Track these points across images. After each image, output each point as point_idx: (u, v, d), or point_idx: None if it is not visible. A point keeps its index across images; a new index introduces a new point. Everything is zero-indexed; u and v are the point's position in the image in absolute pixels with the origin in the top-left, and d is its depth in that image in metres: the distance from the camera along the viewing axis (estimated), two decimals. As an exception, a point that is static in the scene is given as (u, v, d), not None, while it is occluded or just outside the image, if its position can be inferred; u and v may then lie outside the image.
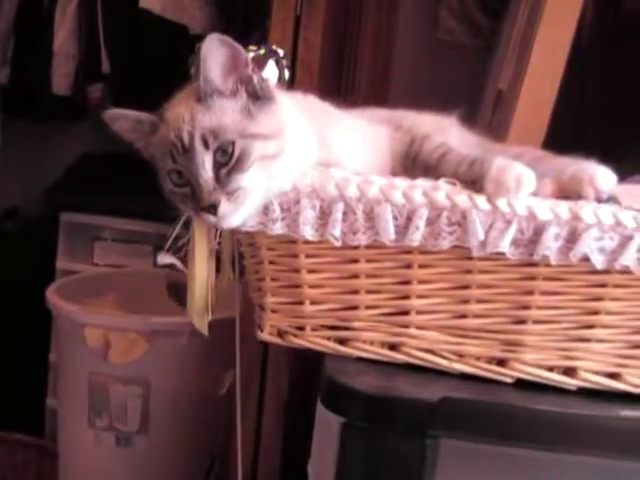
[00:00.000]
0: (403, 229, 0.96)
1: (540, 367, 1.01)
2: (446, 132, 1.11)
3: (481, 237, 0.94)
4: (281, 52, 1.25)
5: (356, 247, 0.99)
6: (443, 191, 0.95)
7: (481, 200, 0.94)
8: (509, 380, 1.02)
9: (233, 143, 0.91)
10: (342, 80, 2.05)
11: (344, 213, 0.96)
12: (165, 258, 1.15)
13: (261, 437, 1.84)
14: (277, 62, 1.24)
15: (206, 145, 0.92)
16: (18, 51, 2.56)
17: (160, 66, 2.50)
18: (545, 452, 0.91)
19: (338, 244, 0.97)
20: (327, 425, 0.93)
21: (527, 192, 0.94)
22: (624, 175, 1.18)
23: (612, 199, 0.98)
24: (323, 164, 0.98)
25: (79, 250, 2.62)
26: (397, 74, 2.06)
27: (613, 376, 1.01)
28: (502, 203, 0.94)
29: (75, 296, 2.09)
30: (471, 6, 2.02)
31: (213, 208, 0.91)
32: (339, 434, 0.91)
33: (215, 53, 0.92)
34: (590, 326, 1.00)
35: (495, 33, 1.95)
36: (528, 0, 1.60)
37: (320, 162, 0.99)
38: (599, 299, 0.98)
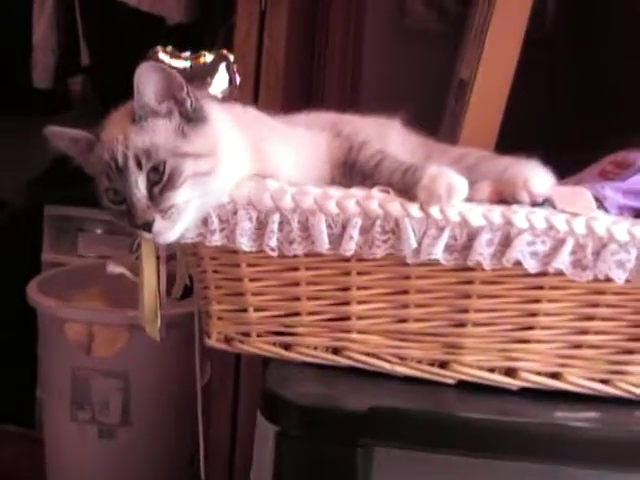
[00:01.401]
0: (338, 238, 0.97)
1: (481, 368, 1.03)
2: (387, 135, 1.12)
3: (414, 245, 0.95)
4: (231, 57, 1.25)
5: (295, 256, 1.00)
6: (376, 200, 0.96)
7: (414, 208, 0.95)
8: (451, 382, 1.03)
9: (164, 162, 0.93)
10: (312, 72, 2.05)
11: (280, 224, 0.98)
12: (114, 267, 1.17)
13: (237, 429, 1.86)
14: (228, 67, 1.25)
15: (139, 165, 0.93)
16: (-4, 46, 2.57)
17: (138, 56, 2.50)
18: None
19: (274, 254, 0.98)
20: (264, 433, 0.94)
21: (459, 199, 0.94)
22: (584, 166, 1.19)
23: (548, 202, 0.98)
24: (260, 175, 0.99)
25: (64, 242, 2.64)
26: (367, 63, 2.05)
27: (554, 376, 1.03)
28: (434, 210, 0.95)
29: (58, 290, 2.11)
30: (439, -9, 2.01)
31: (147, 226, 0.93)
32: (274, 443, 0.92)
33: (149, 80, 0.94)
34: (529, 327, 1.01)
35: (464, 19, 1.94)
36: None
37: (257, 173, 1.00)
38: (537, 301, 1.00)
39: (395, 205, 0.95)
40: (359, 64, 2.09)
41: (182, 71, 1.25)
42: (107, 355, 2.00)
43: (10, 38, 2.57)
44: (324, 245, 0.97)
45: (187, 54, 1.27)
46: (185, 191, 0.94)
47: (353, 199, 0.96)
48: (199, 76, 1.26)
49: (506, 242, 0.95)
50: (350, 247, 0.97)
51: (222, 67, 1.26)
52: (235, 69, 1.26)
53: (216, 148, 0.96)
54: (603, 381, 1.02)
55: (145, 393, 2.01)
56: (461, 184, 0.95)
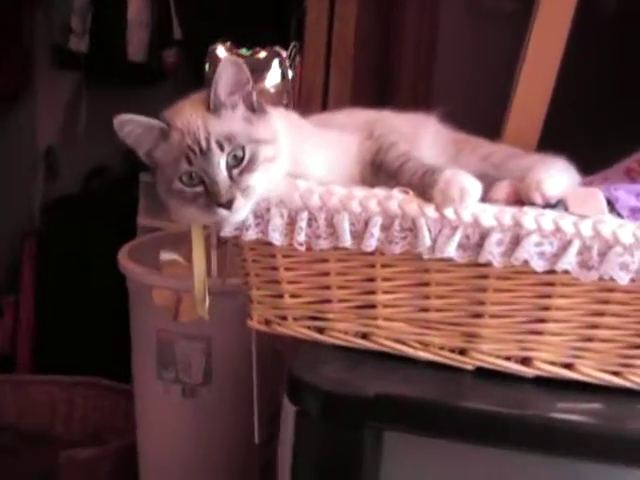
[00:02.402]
0: (360, 235, 1.05)
1: (498, 357, 1.10)
2: (421, 133, 1.19)
3: (429, 243, 1.03)
4: (284, 53, 1.33)
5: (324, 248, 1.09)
6: (396, 200, 1.03)
7: (429, 209, 1.02)
8: (470, 368, 1.10)
9: (244, 147, 1.04)
10: (389, 52, 2.11)
11: (308, 220, 1.06)
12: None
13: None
14: (280, 63, 1.33)
15: (221, 148, 1.04)
16: (96, 22, 2.72)
17: (226, 29, 2.61)
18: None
19: (302, 249, 1.07)
20: (287, 412, 1.05)
21: (472, 202, 1.01)
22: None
23: (561, 203, 1.04)
24: (292, 175, 1.08)
25: (158, 207, 2.77)
26: (442, 43, 2.09)
27: (568, 366, 1.08)
28: (449, 211, 1.02)
29: (149, 255, 2.23)
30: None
31: (229, 203, 1.03)
32: (294, 422, 1.02)
33: (228, 73, 1.05)
34: (542, 320, 1.07)
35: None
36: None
37: (289, 173, 1.09)
38: (548, 296, 1.05)
39: (413, 205, 1.03)
40: (434, 45, 2.13)
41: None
42: (191, 319, 2.12)
43: (107, 14, 2.71)
44: (347, 241, 1.05)
45: (243, 50, 1.36)
46: (260, 173, 1.05)
47: (375, 199, 1.04)
48: (254, 71, 1.35)
49: (515, 242, 1.01)
50: (371, 243, 1.05)
51: (275, 63, 1.35)
52: (287, 64, 1.34)
53: (277, 136, 1.07)
54: (614, 373, 1.07)
55: (226, 356, 2.13)
56: (474, 187, 1.01)
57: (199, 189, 1.05)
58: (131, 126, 1.08)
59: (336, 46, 1.88)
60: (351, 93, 1.90)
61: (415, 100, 2.08)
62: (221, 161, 1.04)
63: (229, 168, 1.04)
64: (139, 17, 2.70)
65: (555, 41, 1.40)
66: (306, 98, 1.83)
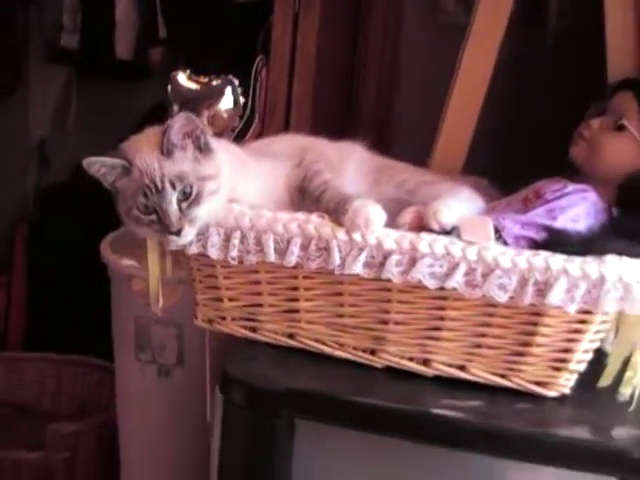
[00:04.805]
0: (283, 252, 1.24)
1: (402, 357, 1.28)
2: (346, 161, 1.37)
3: (339, 261, 1.21)
4: (236, 81, 1.51)
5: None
6: (313, 224, 1.22)
7: (341, 232, 1.21)
8: (379, 366, 1.29)
9: (192, 185, 1.23)
10: (353, 66, 2.26)
11: (240, 238, 1.25)
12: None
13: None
14: (233, 90, 1.51)
15: (173, 187, 1.23)
16: (85, 21, 2.87)
17: (210, 30, 2.77)
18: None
19: (234, 263, 1.26)
20: (217, 400, 1.24)
21: (376, 228, 1.19)
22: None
23: (455, 230, 1.21)
24: (229, 200, 1.27)
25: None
26: (405, 60, 2.23)
27: (461, 368, 1.26)
28: (357, 235, 1.20)
29: (129, 246, 2.40)
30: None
31: (178, 232, 1.23)
32: (222, 409, 1.22)
33: (181, 125, 1.23)
34: (438, 328, 1.25)
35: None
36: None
37: (227, 198, 1.27)
38: (443, 308, 1.23)
39: (327, 229, 1.21)
40: (396, 60, 2.27)
41: (194, 91, 1.53)
42: (165, 307, 2.29)
43: (96, 14, 2.87)
44: (272, 257, 1.24)
45: (201, 78, 1.54)
46: (205, 205, 1.24)
47: (296, 222, 1.22)
48: (210, 97, 1.53)
49: (412, 263, 1.19)
50: (291, 260, 1.24)
51: (228, 90, 1.52)
52: (239, 92, 1.52)
53: (221, 171, 1.26)
54: (501, 375, 1.25)
55: (196, 340, 2.31)
56: (378, 217, 1.19)
57: (153, 217, 1.24)
58: (98, 166, 1.27)
59: (299, 60, 2.03)
60: (312, 106, 2.05)
61: (377, 114, 2.23)
62: (173, 198, 1.23)
63: (179, 202, 1.23)
64: (126, 17, 2.85)
65: (484, 62, 1.54)
66: (270, 110, 1.99)
